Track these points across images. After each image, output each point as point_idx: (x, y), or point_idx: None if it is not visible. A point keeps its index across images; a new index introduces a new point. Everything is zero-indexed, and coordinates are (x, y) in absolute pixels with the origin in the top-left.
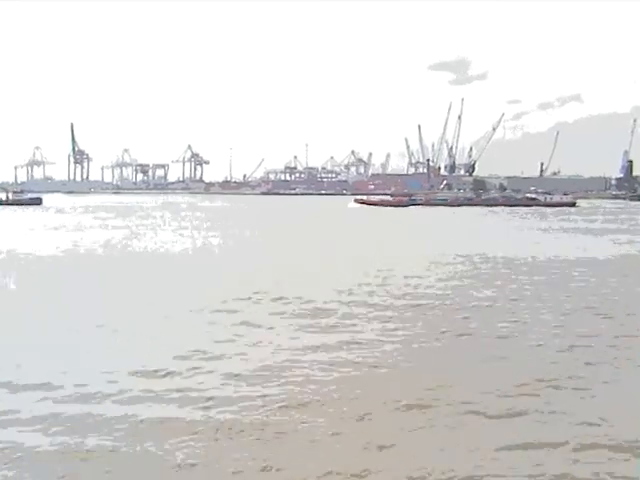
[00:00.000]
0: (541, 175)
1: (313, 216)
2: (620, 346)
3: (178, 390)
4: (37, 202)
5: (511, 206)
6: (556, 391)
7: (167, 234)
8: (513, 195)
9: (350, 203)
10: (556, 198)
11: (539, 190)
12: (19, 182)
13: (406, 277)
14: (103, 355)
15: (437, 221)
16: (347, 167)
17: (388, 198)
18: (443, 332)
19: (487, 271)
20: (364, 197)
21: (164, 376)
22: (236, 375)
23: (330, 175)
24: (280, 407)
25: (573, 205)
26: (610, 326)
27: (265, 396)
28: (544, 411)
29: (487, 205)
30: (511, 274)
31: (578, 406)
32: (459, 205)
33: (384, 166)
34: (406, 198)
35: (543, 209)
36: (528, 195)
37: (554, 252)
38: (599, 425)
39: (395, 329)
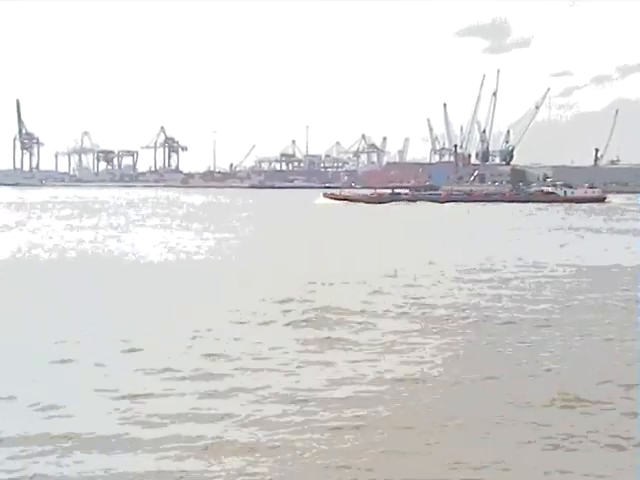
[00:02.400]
0: (595, 164)
1: (282, 213)
2: None
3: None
4: None
5: (521, 202)
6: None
7: (141, 237)
8: (524, 189)
9: (319, 198)
10: (579, 192)
11: (557, 182)
12: None
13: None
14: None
15: (421, 220)
16: (356, 155)
17: (366, 192)
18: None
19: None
20: (336, 191)
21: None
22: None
23: (336, 164)
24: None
25: (602, 201)
26: None
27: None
28: None
29: (489, 201)
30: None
31: None
32: (453, 201)
33: (402, 154)
34: (387, 192)
35: (560, 206)
36: (544, 189)
37: (533, 259)
38: None
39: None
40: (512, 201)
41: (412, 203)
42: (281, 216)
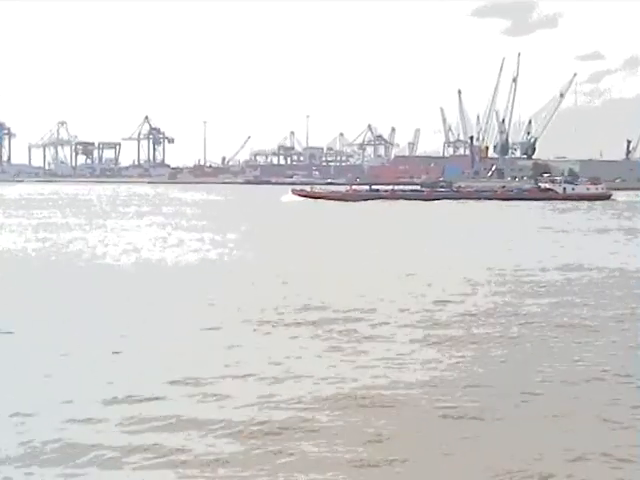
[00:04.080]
0: (627, 157)
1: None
2: None
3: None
4: None
5: (514, 200)
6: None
7: (124, 240)
8: (518, 185)
9: (285, 195)
10: (580, 188)
11: (557, 178)
12: None
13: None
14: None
15: (400, 220)
16: (362, 147)
17: (340, 189)
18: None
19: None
20: (306, 188)
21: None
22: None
23: (339, 158)
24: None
25: (606, 198)
26: None
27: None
28: None
29: (478, 198)
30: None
31: None
32: (438, 199)
33: (412, 146)
34: (364, 188)
35: (557, 204)
36: (541, 185)
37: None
38: None
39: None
40: (504, 199)
41: (392, 201)
42: (225, 215)
